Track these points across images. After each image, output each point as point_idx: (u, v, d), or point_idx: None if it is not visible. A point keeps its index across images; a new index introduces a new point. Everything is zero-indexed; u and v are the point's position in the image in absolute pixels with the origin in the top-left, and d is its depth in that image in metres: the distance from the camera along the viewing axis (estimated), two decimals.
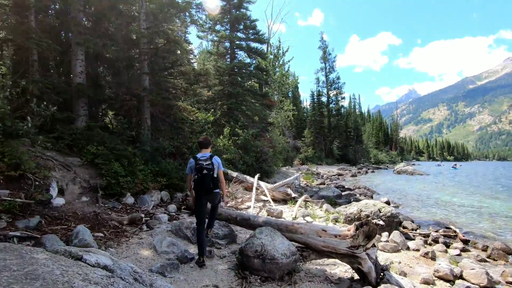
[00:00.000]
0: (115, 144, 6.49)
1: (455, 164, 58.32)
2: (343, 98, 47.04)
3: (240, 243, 5.02)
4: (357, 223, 3.64)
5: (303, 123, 45.11)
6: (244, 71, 15.56)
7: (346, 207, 8.40)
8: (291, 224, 4.19)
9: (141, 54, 8.51)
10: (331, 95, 47.91)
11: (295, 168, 27.13)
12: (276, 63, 21.06)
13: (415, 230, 6.79)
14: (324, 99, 47.66)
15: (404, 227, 6.79)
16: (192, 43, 14.89)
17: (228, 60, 16.12)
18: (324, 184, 17.35)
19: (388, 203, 10.24)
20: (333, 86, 47.47)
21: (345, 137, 46.58)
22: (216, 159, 3.85)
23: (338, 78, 46.88)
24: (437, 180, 23.39)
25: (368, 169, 38.60)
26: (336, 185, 16.44)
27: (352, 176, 25.52)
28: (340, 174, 25.89)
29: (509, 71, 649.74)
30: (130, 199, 6.06)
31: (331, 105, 47.91)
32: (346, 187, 15.10)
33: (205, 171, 3.66)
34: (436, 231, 6.65)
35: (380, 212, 6.36)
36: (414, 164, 66.15)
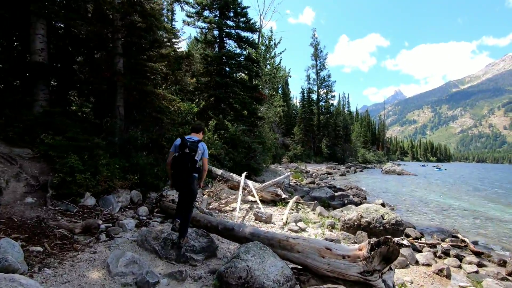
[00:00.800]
0: (75, 133, 5.40)
1: (438, 165, 59.55)
2: (333, 96, 46.73)
3: (221, 257, 4.11)
4: (372, 241, 2.80)
5: (293, 121, 44.46)
6: (233, 61, 14.54)
7: (342, 211, 7.65)
8: (285, 239, 3.30)
9: (114, 31, 7.37)
10: (321, 93, 47.50)
11: (284, 166, 26.40)
12: (268, 55, 20.08)
13: (419, 239, 6.08)
14: (314, 96, 47.14)
15: (407, 235, 6.06)
16: (179, 31, 13.80)
17: (217, 49, 15.06)
18: (314, 183, 16.65)
19: (383, 205, 9.59)
20: (323, 84, 47.04)
21: (334, 135, 46.32)
22: (203, 145, 3.76)
23: (329, 76, 46.47)
24: (426, 181, 23.24)
25: (357, 168, 38.44)
26: (327, 184, 15.77)
27: (342, 175, 25.03)
28: (329, 173, 25.36)
29: (490, 76, 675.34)
30: (90, 200, 5.02)
31: (321, 103, 47.48)
32: (337, 187, 14.43)
33: (187, 150, 3.56)
34: (443, 240, 5.97)
35: (384, 218, 5.60)
36: (399, 165, 67.27)
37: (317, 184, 16.33)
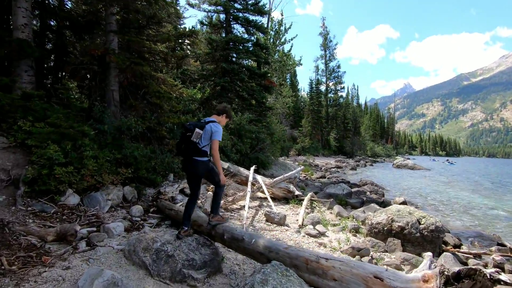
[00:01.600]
0: (57, 119, 4.60)
1: (449, 160, 57.81)
2: (343, 88, 45.22)
3: (228, 273, 3.30)
4: (447, 272, 1.92)
5: (301, 113, 43.28)
6: (241, 47, 13.54)
7: (364, 211, 6.77)
8: (315, 259, 2.44)
9: (107, 5, 6.48)
10: (330, 84, 46.07)
11: (292, 159, 25.52)
12: (278, 41, 18.91)
13: (459, 247, 5.19)
14: (323, 88, 45.79)
15: (445, 242, 5.17)
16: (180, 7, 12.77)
17: (224, 34, 14.07)
18: (325, 177, 15.75)
19: (405, 203, 8.68)
20: (332, 75, 45.58)
21: (342, 128, 45.04)
22: (214, 126, 3.25)
23: (339, 66, 45.00)
24: (442, 175, 22.11)
25: (366, 162, 37.30)
26: (339, 179, 14.86)
27: (352, 169, 24.04)
28: (339, 167, 24.39)
29: (504, 69, 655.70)
30: (72, 199, 4.24)
31: (329, 95, 46.12)
32: (351, 182, 13.50)
33: (188, 133, 3.17)
34: (489, 249, 5.06)
35: (420, 223, 4.71)
36: (408, 159, 65.68)
37: (328, 178, 15.44)
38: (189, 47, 8.03)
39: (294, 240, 4.70)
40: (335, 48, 45.28)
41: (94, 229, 3.76)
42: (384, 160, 46.80)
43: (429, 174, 23.64)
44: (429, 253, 3.62)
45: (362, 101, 74.84)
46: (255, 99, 13.52)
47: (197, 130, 3.15)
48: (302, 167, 15.06)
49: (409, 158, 65.11)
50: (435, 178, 20.24)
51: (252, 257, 2.98)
